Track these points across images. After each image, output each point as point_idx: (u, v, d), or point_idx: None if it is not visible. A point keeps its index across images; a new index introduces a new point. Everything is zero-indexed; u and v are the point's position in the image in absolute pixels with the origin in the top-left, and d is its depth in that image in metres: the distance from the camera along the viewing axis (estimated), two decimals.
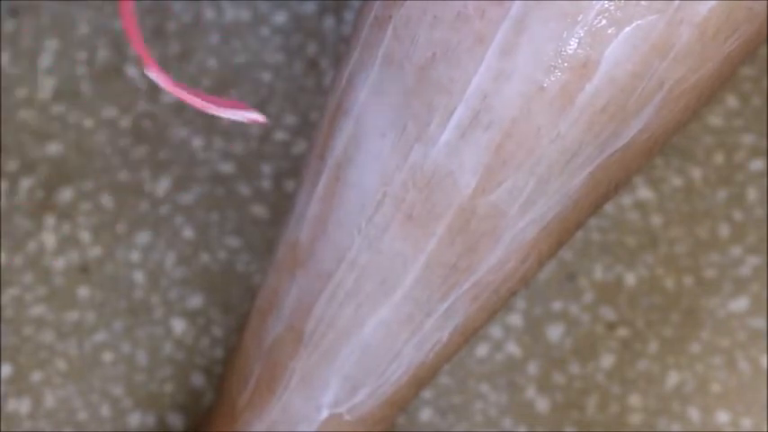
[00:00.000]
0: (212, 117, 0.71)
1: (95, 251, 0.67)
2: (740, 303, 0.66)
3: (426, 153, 0.39)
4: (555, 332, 0.65)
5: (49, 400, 0.64)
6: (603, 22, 0.35)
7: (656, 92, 0.37)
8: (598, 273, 0.67)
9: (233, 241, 0.68)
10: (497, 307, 0.44)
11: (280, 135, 0.71)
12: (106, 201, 0.69)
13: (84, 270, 0.67)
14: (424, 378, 0.47)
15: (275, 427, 0.48)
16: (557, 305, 0.66)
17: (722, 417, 0.63)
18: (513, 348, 0.65)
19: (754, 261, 0.67)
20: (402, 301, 0.42)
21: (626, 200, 0.68)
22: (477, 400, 0.64)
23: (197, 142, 0.71)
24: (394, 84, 0.39)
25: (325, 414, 0.47)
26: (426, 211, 0.40)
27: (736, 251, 0.67)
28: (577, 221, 0.42)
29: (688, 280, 0.66)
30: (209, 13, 0.75)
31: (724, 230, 0.68)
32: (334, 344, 0.45)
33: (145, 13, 0.75)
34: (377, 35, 0.40)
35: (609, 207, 0.68)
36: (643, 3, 0.35)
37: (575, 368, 0.64)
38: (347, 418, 0.47)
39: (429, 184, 0.40)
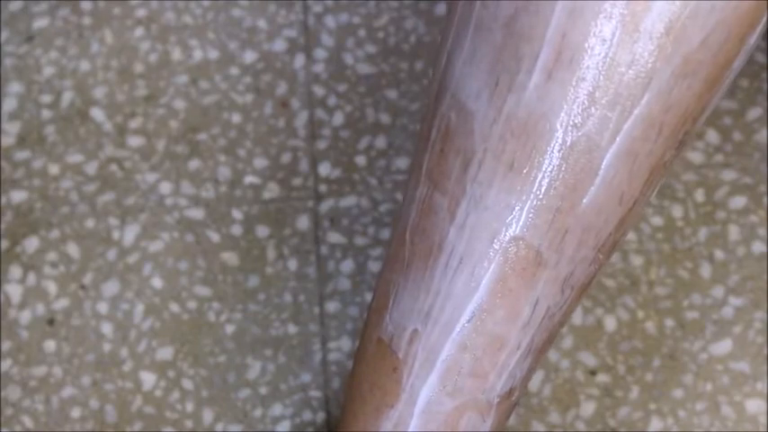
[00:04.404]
0: (180, 161, 0.70)
1: (62, 303, 0.66)
2: (723, 346, 0.64)
3: (519, 101, 0.42)
4: (534, 379, 0.63)
5: None
6: None
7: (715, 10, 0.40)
8: (578, 317, 0.65)
9: (203, 290, 0.66)
10: (602, 260, 0.46)
11: (250, 179, 0.69)
12: (72, 250, 0.67)
13: (50, 323, 0.65)
14: (541, 346, 0.47)
15: (402, 420, 0.48)
16: None
17: None
18: None
19: (736, 302, 0.65)
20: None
21: None
22: None
23: (165, 188, 0.69)
24: (485, 46, 0.43)
25: (449, 392, 0.47)
26: (525, 156, 0.42)
27: (718, 292, 0.66)
28: (662, 157, 0.43)
29: (669, 323, 0.65)
30: (176, 54, 0.73)
31: (705, 271, 0.66)
32: (453, 315, 0.46)
33: (111, 55, 0.73)
34: (469, 8, 0.44)
35: None
36: None
37: (554, 417, 0.62)
38: (470, 395, 0.47)
39: (525, 130, 0.42)
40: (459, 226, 0.45)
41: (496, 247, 0.44)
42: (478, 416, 0.48)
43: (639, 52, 0.40)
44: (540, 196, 0.43)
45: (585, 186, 0.43)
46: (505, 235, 0.44)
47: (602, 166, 0.43)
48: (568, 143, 0.42)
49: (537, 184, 0.43)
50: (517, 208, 0.44)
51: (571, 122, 0.42)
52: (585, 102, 0.41)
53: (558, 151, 0.42)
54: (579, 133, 0.42)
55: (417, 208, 0.47)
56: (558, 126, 0.42)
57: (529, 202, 0.43)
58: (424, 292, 0.46)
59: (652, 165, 0.44)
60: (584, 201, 0.43)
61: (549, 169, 0.43)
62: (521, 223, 0.44)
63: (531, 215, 0.44)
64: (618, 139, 0.42)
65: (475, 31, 0.43)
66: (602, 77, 0.41)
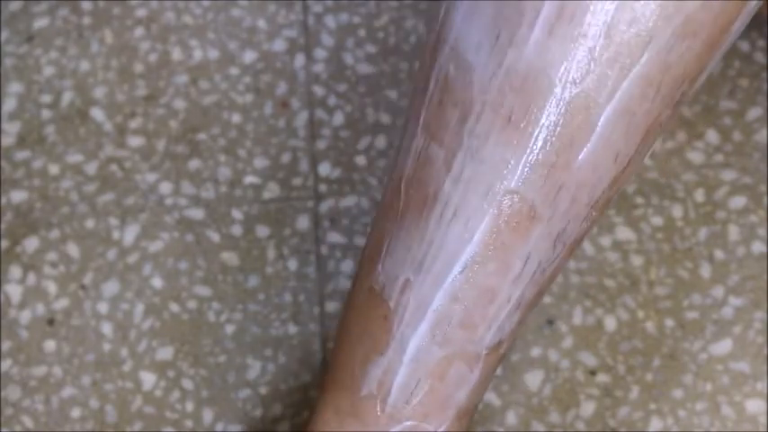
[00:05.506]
0: (180, 161, 0.70)
1: (62, 303, 0.66)
2: (723, 346, 0.64)
3: (519, 55, 0.42)
4: (534, 379, 0.63)
5: None
6: None
7: None
8: (578, 317, 0.65)
9: (203, 290, 0.66)
10: (594, 217, 0.46)
11: (250, 179, 0.69)
12: (72, 250, 0.67)
13: (50, 323, 0.65)
14: (531, 300, 0.47)
15: (391, 367, 0.48)
16: (536, 351, 0.64)
17: None
18: (490, 397, 0.63)
19: (736, 302, 0.65)
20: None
21: (605, 240, 0.67)
22: None
23: (165, 188, 0.69)
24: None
25: (438, 342, 0.47)
26: (524, 111, 0.43)
27: (718, 292, 0.66)
28: (659, 116, 0.44)
29: (669, 323, 0.65)
30: (176, 53, 0.73)
31: (705, 271, 0.66)
32: (445, 265, 0.46)
33: (111, 55, 0.73)
34: None
35: (588, 248, 0.67)
36: None
37: (554, 417, 0.63)
38: (459, 346, 0.47)
39: (524, 84, 0.42)
40: (455, 178, 0.45)
41: (491, 200, 0.44)
42: (466, 366, 0.48)
43: (641, 11, 0.41)
44: (537, 151, 0.43)
45: (582, 143, 0.43)
46: (500, 188, 0.44)
47: (600, 124, 0.43)
48: (566, 99, 0.42)
49: (533, 139, 0.43)
50: (513, 162, 0.44)
51: (570, 79, 0.42)
52: (585, 59, 0.42)
53: (556, 107, 0.42)
54: (578, 90, 0.42)
55: (413, 159, 0.47)
56: (557, 82, 0.42)
57: (525, 156, 0.43)
58: (418, 242, 0.46)
59: (648, 124, 0.44)
60: (580, 157, 0.43)
61: (546, 124, 0.43)
62: (516, 177, 0.44)
63: (526, 169, 0.44)
64: (616, 96, 0.42)
65: None
66: (602, 35, 0.41)
